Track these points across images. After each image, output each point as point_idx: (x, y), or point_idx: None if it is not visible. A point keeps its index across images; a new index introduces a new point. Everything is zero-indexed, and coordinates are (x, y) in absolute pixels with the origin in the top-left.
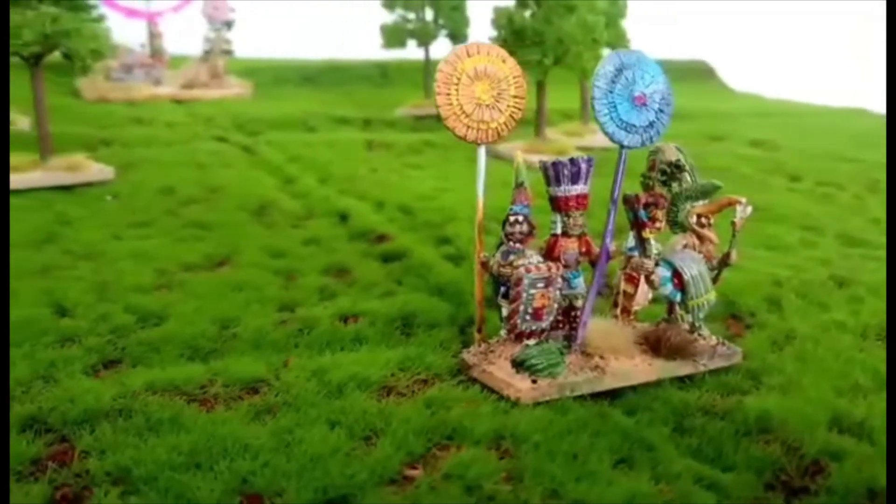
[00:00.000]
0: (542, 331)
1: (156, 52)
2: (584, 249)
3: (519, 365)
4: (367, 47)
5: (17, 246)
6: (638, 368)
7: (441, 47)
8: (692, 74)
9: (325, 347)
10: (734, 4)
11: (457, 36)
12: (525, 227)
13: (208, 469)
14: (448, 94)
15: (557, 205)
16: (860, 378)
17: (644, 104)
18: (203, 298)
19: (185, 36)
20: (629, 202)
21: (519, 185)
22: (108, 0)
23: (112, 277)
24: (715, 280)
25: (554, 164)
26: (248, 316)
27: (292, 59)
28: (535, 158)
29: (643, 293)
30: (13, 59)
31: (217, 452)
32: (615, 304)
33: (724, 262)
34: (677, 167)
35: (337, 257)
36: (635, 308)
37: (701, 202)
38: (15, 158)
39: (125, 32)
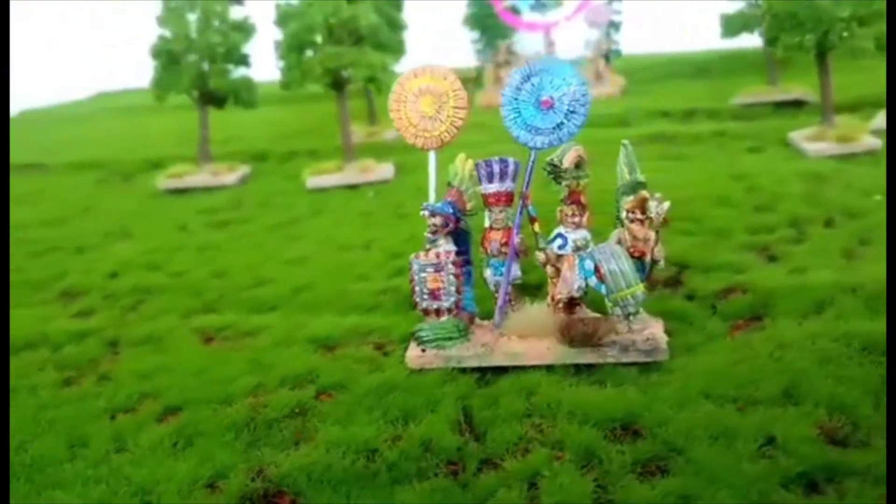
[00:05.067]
0: (450, 309)
1: None
2: (504, 241)
3: (412, 335)
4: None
5: (265, 230)
6: (533, 351)
7: None
8: None
9: (340, 311)
10: None
11: None
12: (438, 221)
13: (152, 378)
14: (398, 110)
15: (483, 201)
16: (744, 390)
17: (551, 107)
18: (317, 269)
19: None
20: (521, 199)
21: (448, 185)
22: (511, 18)
23: (279, 252)
24: (648, 276)
25: (477, 164)
26: (323, 283)
27: (683, 52)
28: (822, 146)
29: (563, 283)
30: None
31: (166, 369)
32: (549, 293)
33: (652, 259)
34: (553, 166)
35: None
36: (558, 297)
37: (631, 197)
38: (325, 164)
39: (529, 44)
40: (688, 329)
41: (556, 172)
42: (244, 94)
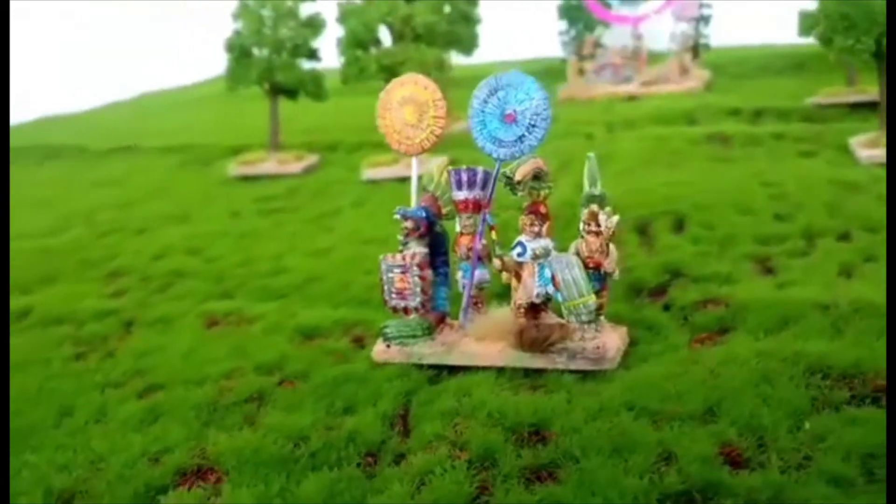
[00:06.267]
0: (417, 308)
1: (635, 53)
2: (471, 246)
3: (379, 331)
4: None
5: (306, 220)
6: (487, 353)
7: None
8: None
9: (335, 303)
10: None
11: None
12: (410, 224)
13: (148, 357)
14: (384, 117)
15: (454, 207)
16: (667, 404)
17: (514, 121)
18: (334, 261)
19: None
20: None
21: (423, 190)
22: (600, 10)
23: (308, 242)
24: (603, 287)
25: (449, 172)
26: (333, 275)
27: (781, 45)
28: (876, 152)
29: (523, 289)
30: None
31: (162, 349)
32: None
33: (604, 271)
34: (507, 178)
35: None
36: (519, 302)
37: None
38: (383, 156)
39: (617, 37)
40: (653, 339)
41: (510, 184)
42: (311, 87)
